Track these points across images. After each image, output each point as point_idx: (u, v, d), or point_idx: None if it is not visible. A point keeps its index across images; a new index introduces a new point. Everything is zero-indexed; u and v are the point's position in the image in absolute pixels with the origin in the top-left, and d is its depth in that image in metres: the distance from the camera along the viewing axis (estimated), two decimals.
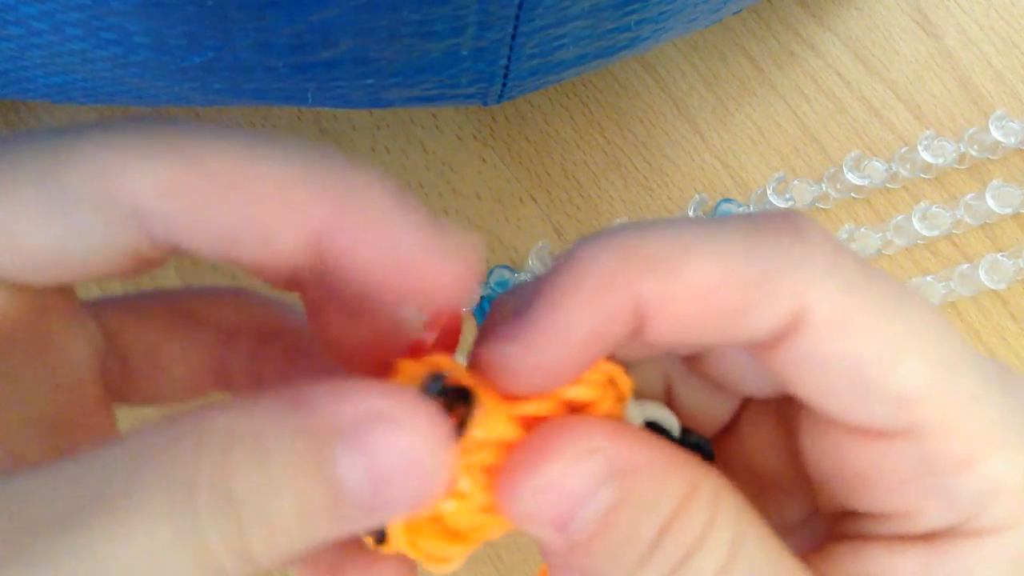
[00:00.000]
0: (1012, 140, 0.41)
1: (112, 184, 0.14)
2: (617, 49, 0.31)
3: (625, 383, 0.16)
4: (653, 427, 0.16)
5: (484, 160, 0.40)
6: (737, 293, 0.14)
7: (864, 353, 0.14)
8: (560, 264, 0.15)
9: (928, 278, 0.39)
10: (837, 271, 0.14)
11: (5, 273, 0.15)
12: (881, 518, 0.16)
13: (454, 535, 0.16)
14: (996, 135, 0.41)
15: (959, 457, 0.14)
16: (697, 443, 0.17)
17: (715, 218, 0.15)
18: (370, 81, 0.28)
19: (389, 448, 0.13)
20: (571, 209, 0.40)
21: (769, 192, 0.39)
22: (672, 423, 0.17)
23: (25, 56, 0.26)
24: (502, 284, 0.38)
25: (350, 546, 0.18)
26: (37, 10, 0.23)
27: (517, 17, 0.26)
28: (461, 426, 0.15)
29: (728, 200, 0.40)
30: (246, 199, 0.14)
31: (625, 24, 0.29)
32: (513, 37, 0.27)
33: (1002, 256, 0.39)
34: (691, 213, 0.39)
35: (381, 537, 0.16)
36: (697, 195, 0.39)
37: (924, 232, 0.39)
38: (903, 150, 0.41)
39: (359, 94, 0.29)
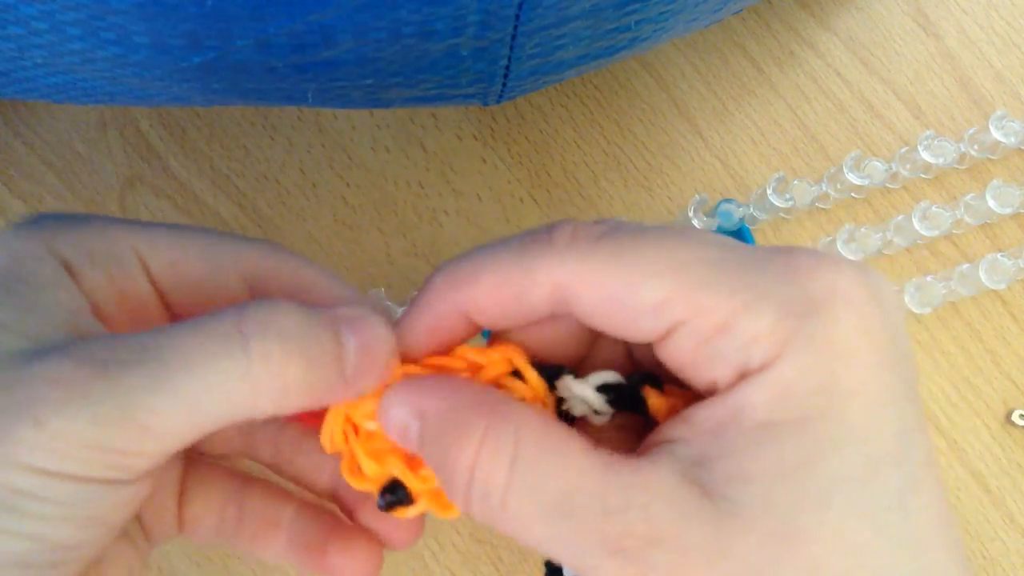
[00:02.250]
0: (1012, 140, 0.41)
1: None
2: (617, 49, 0.31)
3: (519, 358, 0.22)
4: (604, 388, 0.22)
5: (484, 160, 0.40)
6: (512, 289, 0.20)
7: (613, 291, 0.19)
8: (424, 283, 0.22)
9: (928, 278, 0.39)
10: (576, 251, 0.20)
11: (162, 278, 0.23)
12: (708, 392, 0.20)
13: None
14: (996, 135, 0.41)
15: (715, 326, 0.19)
16: (642, 379, 0.21)
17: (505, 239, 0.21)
18: (370, 81, 0.28)
19: (369, 331, 0.21)
20: (571, 209, 0.40)
21: (769, 192, 0.39)
22: (611, 378, 0.22)
23: (25, 56, 0.26)
24: None
25: (331, 528, 0.25)
26: (37, 10, 0.23)
27: (517, 17, 0.26)
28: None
29: (728, 200, 0.40)
30: None
31: (625, 24, 0.29)
32: (513, 37, 0.27)
33: (1002, 256, 0.39)
34: (691, 213, 0.39)
35: (394, 500, 0.22)
36: (697, 195, 0.39)
37: (924, 232, 0.39)
38: (903, 150, 0.41)
39: (359, 94, 0.29)
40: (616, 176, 0.41)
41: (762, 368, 0.18)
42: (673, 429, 0.20)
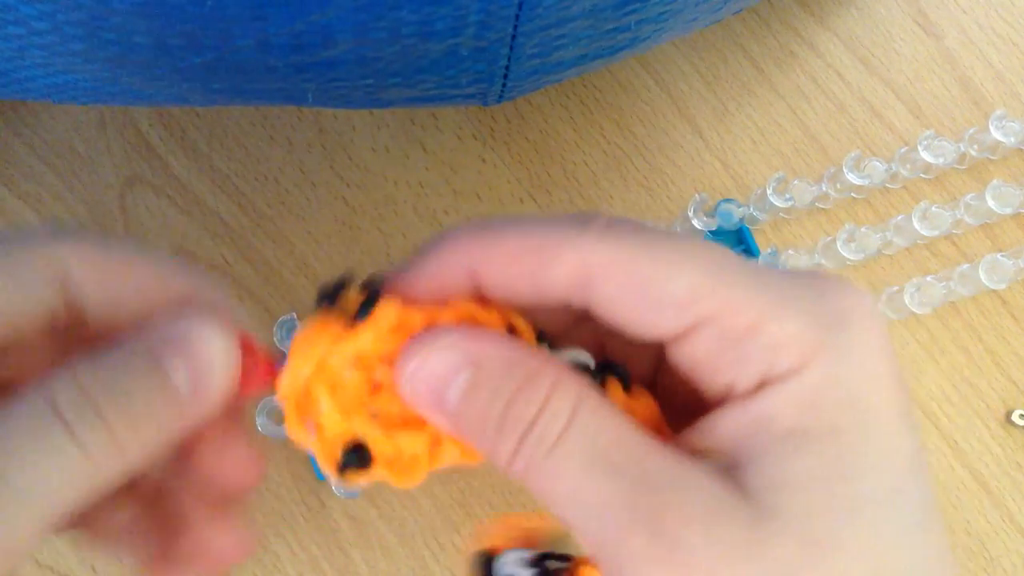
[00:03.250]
0: (1012, 140, 0.41)
1: (47, 255, 0.20)
2: (617, 49, 0.31)
3: (519, 319, 0.21)
4: (578, 365, 0.21)
5: (484, 160, 0.40)
6: (536, 260, 0.19)
7: (642, 279, 0.19)
8: (439, 234, 0.21)
9: (928, 278, 0.39)
10: (611, 238, 0.19)
11: None
12: (721, 397, 0.20)
13: (405, 423, 0.20)
14: (996, 135, 0.41)
15: (743, 327, 0.18)
16: (608, 368, 0.21)
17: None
18: (370, 81, 0.28)
19: (197, 352, 0.19)
20: (571, 209, 0.40)
21: (769, 192, 0.39)
22: (585, 358, 0.21)
23: (25, 56, 0.26)
24: None
25: (178, 528, 0.23)
26: (37, 10, 0.23)
27: (517, 17, 0.26)
28: (367, 308, 0.19)
29: (728, 200, 0.40)
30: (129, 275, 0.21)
31: (625, 24, 0.29)
32: (513, 37, 0.27)
33: (1002, 256, 0.39)
34: (691, 213, 0.39)
35: (354, 463, 0.20)
36: (697, 195, 0.39)
37: (924, 232, 0.39)
38: (903, 150, 0.41)
39: (359, 94, 0.29)
40: (616, 176, 0.41)
41: (788, 375, 0.18)
42: (695, 437, 0.20)
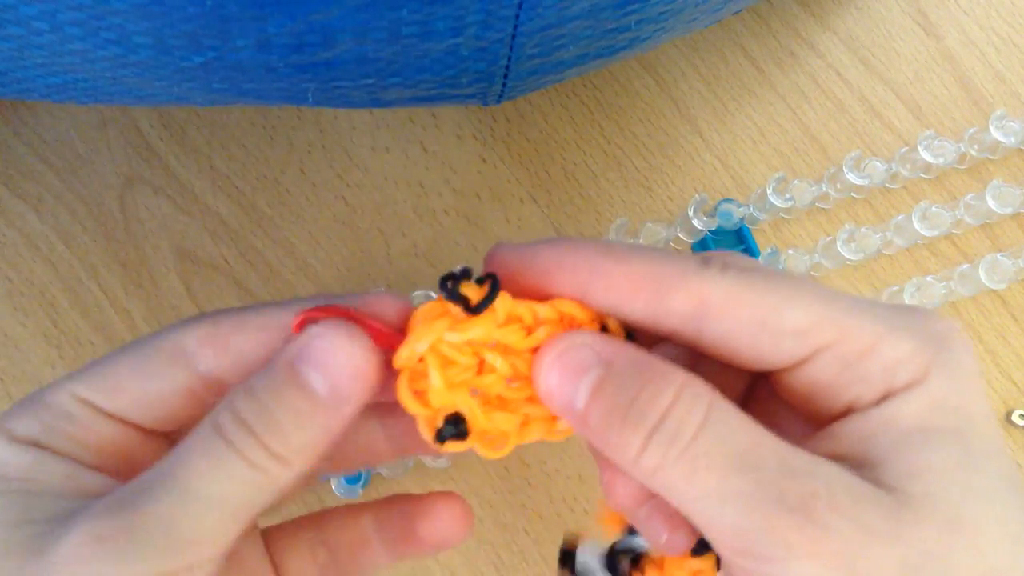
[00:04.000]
0: (1012, 140, 0.41)
1: (171, 340, 0.22)
2: (617, 49, 0.31)
3: (614, 322, 0.22)
4: None
5: (484, 160, 0.40)
6: (658, 285, 0.21)
7: (761, 313, 0.20)
8: (552, 240, 0.22)
9: (928, 278, 0.39)
10: (729, 275, 0.21)
11: (119, 412, 0.22)
12: (842, 413, 0.21)
13: (502, 403, 0.22)
14: (996, 135, 0.41)
15: (860, 350, 0.20)
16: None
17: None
18: (370, 81, 0.28)
19: (328, 356, 0.20)
20: (571, 209, 0.40)
21: (769, 192, 0.39)
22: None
23: (25, 56, 0.26)
24: None
25: (410, 509, 0.26)
26: (37, 10, 0.23)
27: (517, 17, 0.26)
28: (487, 301, 0.21)
29: (728, 200, 0.40)
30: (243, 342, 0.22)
31: (625, 24, 0.29)
32: (513, 37, 0.27)
33: (1002, 256, 0.39)
34: (691, 213, 0.39)
35: (452, 432, 0.21)
36: (697, 195, 0.39)
37: (924, 232, 0.39)
38: (903, 150, 0.41)
39: (359, 94, 0.29)
40: (616, 176, 0.41)
41: (911, 385, 0.20)
42: (820, 444, 0.21)
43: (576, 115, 0.41)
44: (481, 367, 0.22)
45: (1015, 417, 0.39)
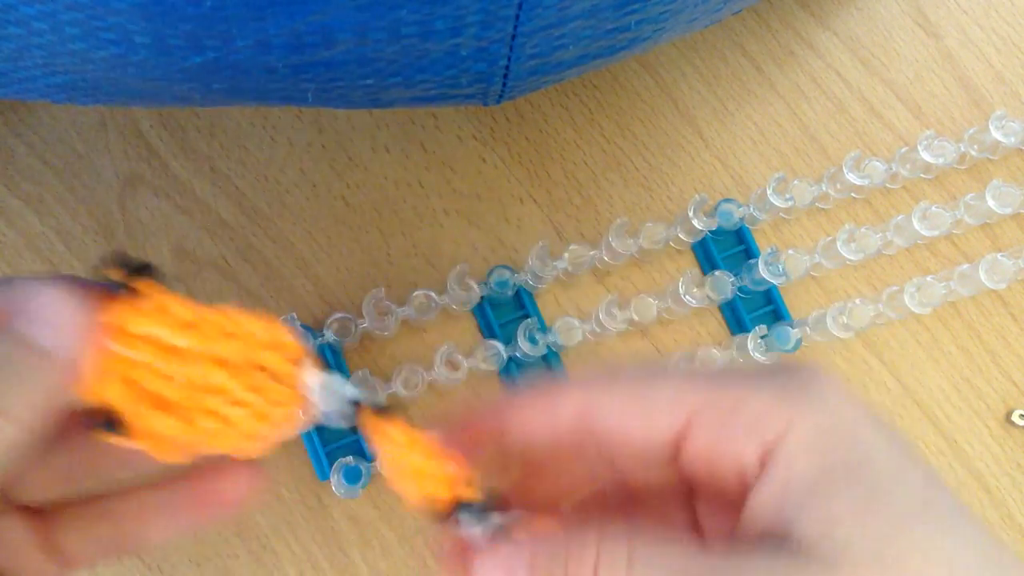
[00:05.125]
0: (1012, 140, 0.41)
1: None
2: (617, 49, 0.31)
3: (293, 346, 0.22)
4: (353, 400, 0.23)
5: (484, 160, 0.40)
6: (539, 415, 0.24)
7: (631, 398, 0.23)
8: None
9: (928, 278, 0.39)
10: (596, 381, 0.23)
11: None
12: (740, 482, 0.22)
13: (169, 407, 0.21)
14: (996, 135, 0.41)
15: (726, 409, 0.21)
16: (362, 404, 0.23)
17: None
18: (370, 81, 0.28)
19: (50, 311, 0.20)
20: (571, 209, 0.40)
21: (769, 192, 0.39)
22: (357, 394, 0.23)
23: (25, 56, 0.26)
24: (502, 284, 0.38)
25: (198, 480, 0.25)
26: (37, 10, 0.23)
27: (517, 17, 0.26)
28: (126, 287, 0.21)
29: (728, 200, 0.40)
30: None
31: (625, 24, 0.29)
32: (513, 37, 0.27)
33: (1002, 256, 0.39)
34: (691, 213, 0.39)
35: (109, 425, 0.21)
36: (697, 195, 0.39)
37: (924, 232, 0.39)
38: (903, 150, 0.41)
39: (359, 94, 0.29)
40: (616, 176, 0.41)
41: (780, 435, 0.21)
42: (746, 529, 0.21)
43: (576, 115, 0.41)
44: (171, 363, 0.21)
45: (1015, 417, 0.39)
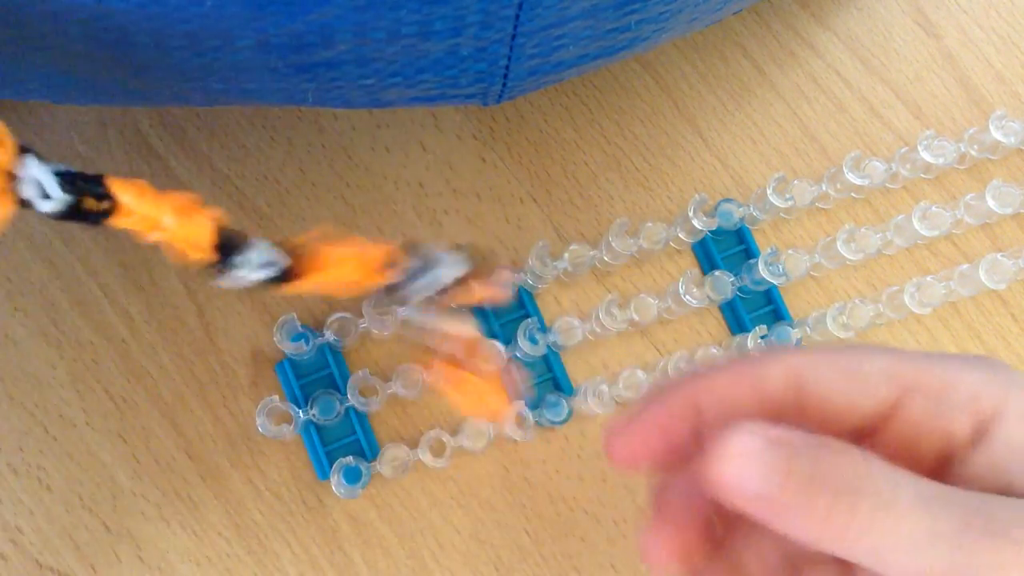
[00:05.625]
0: (1012, 140, 0.41)
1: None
2: (617, 49, 0.31)
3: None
4: (62, 174, 0.23)
5: (484, 160, 0.40)
6: (748, 379, 0.23)
7: (846, 364, 0.23)
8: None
9: (928, 278, 0.39)
10: (808, 350, 0.23)
11: None
12: (944, 448, 0.23)
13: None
14: (996, 135, 0.41)
15: (941, 385, 0.22)
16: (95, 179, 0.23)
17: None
18: (370, 81, 0.28)
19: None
20: (571, 209, 0.40)
21: (769, 192, 0.39)
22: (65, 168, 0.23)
23: (25, 56, 0.26)
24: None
25: None
26: (38, 10, 0.23)
27: (517, 17, 0.26)
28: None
29: (728, 200, 0.40)
30: None
31: (625, 24, 0.29)
32: (513, 37, 0.27)
33: (1002, 256, 0.39)
34: (691, 213, 0.39)
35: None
36: (697, 195, 0.39)
37: (924, 232, 0.39)
38: (903, 150, 0.41)
39: (359, 94, 0.29)
40: (616, 176, 0.41)
41: (997, 408, 0.22)
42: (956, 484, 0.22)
43: (576, 115, 0.41)
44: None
45: None
